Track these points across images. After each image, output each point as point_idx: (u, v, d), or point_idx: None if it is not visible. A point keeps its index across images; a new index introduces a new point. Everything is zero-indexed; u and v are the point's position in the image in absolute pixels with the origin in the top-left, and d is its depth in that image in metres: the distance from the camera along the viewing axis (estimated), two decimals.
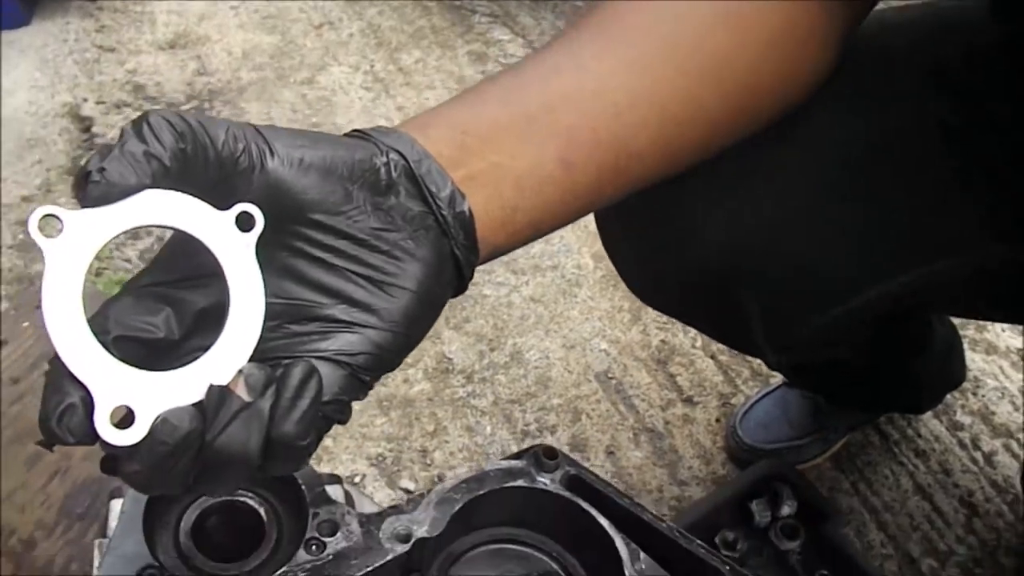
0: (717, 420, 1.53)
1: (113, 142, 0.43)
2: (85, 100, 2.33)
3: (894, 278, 0.81)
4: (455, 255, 0.52)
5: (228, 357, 0.44)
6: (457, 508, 0.65)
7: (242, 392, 0.43)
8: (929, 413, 1.50)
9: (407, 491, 1.40)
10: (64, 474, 0.86)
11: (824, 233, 0.79)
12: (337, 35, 2.56)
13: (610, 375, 1.59)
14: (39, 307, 0.41)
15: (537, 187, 0.55)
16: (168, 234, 0.47)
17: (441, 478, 1.42)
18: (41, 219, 0.41)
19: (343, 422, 0.48)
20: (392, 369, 0.50)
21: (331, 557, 0.60)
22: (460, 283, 0.54)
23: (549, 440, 1.48)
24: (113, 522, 0.64)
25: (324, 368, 0.46)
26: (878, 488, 1.44)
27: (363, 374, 0.47)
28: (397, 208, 0.49)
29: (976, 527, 1.39)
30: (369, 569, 0.60)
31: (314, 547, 0.60)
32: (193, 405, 0.43)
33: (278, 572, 0.59)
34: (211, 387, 0.43)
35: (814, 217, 0.79)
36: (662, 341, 1.65)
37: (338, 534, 0.61)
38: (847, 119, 0.76)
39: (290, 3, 2.67)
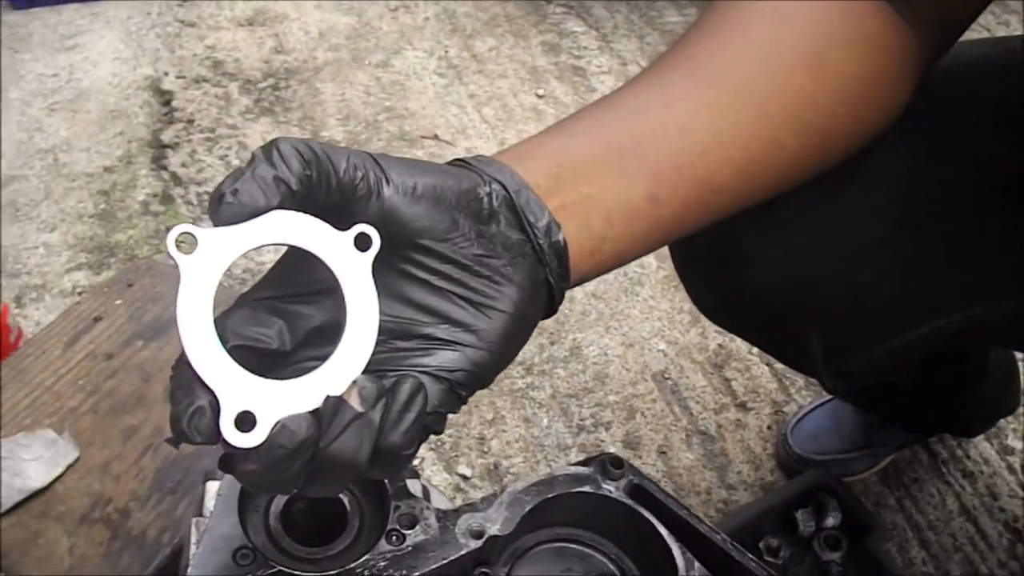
0: (769, 427, 1.55)
1: (244, 166, 0.47)
2: (166, 74, 2.39)
3: (952, 314, 0.83)
4: (549, 281, 0.55)
5: (343, 369, 0.47)
6: (527, 509, 0.69)
7: (355, 403, 0.46)
8: (980, 435, 1.51)
9: (464, 476, 1.44)
10: (156, 449, 0.91)
11: (883, 268, 0.81)
12: (412, 19, 2.59)
13: (666, 375, 1.62)
14: (175, 316, 0.45)
15: (626, 219, 0.59)
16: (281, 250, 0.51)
17: (497, 466, 1.46)
18: (178, 236, 0.44)
19: (439, 432, 0.51)
20: (486, 385, 0.53)
21: (410, 548, 0.64)
22: (551, 307, 0.57)
23: (603, 436, 1.51)
24: (209, 503, 0.69)
25: (425, 382, 0.49)
26: (923, 506, 1.45)
27: (460, 389, 0.51)
28: (498, 236, 0.53)
29: (1019, 553, 1.40)
30: (444, 562, 0.64)
31: (394, 538, 0.64)
32: (310, 413, 0.46)
33: (361, 559, 0.63)
34: (328, 397, 0.46)
35: (874, 252, 0.80)
36: (719, 345, 1.67)
37: (417, 527, 0.65)
38: (908, 155, 0.77)
39: None
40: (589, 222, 0.57)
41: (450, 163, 0.56)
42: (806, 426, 1.49)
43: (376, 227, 0.49)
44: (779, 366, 1.62)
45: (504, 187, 0.54)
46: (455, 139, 2.16)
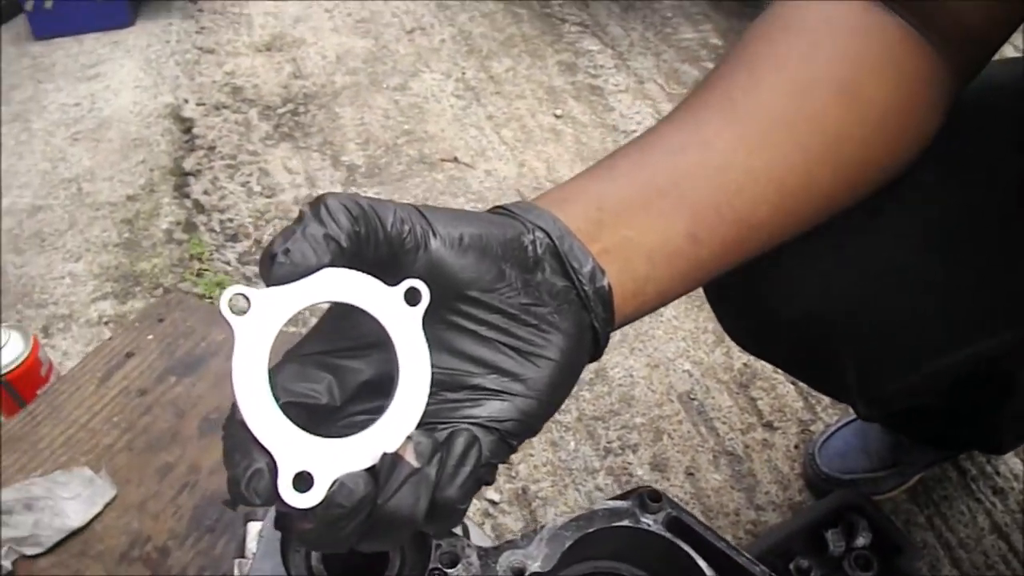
0: (796, 446, 1.54)
1: (292, 224, 0.47)
2: (186, 101, 2.41)
3: (988, 338, 0.82)
4: (594, 327, 0.55)
5: (397, 425, 0.48)
6: (568, 545, 0.69)
7: (411, 458, 0.46)
8: (1010, 452, 1.50)
9: (492, 501, 1.44)
10: (193, 487, 0.91)
11: (916, 293, 0.80)
12: (429, 41, 2.61)
13: (692, 396, 1.62)
14: (229, 372, 0.45)
15: (667, 260, 0.59)
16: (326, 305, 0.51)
17: (525, 491, 1.46)
18: (231, 298, 0.44)
19: (491, 483, 0.52)
20: (535, 434, 0.54)
21: None
22: (596, 351, 0.57)
23: (631, 459, 1.51)
24: (250, 543, 0.69)
25: (477, 433, 0.50)
26: (954, 524, 1.44)
27: (511, 439, 0.51)
28: (544, 284, 0.53)
29: None
30: None
31: None
32: (366, 470, 0.46)
33: None
34: (384, 454, 0.47)
35: (906, 277, 0.80)
36: (744, 364, 1.67)
37: (459, 566, 0.65)
38: (937, 179, 0.77)
39: (382, 7, 2.73)
40: (631, 265, 0.57)
41: (491, 210, 0.57)
42: (833, 445, 1.48)
43: (424, 279, 0.49)
44: (805, 385, 1.62)
45: (547, 234, 0.54)
46: (475, 161, 2.16)
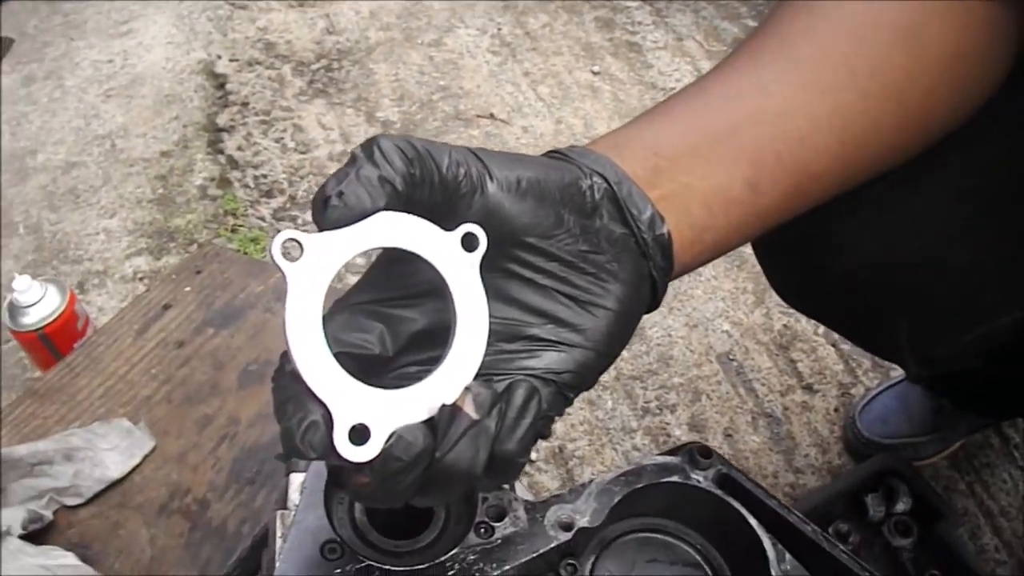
0: (836, 409, 1.52)
1: (344, 166, 0.45)
2: (219, 57, 2.39)
3: None
4: (652, 276, 0.53)
5: (454, 376, 0.46)
6: (616, 500, 0.68)
7: (469, 410, 0.45)
8: None
9: (528, 460, 1.43)
10: (232, 439, 0.90)
11: (974, 253, 0.78)
12: None
13: (731, 357, 1.60)
14: (282, 321, 0.43)
15: (724, 208, 0.57)
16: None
17: (562, 449, 1.45)
18: (283, 243, 0.43)
19: (547, 437, 0.50)
20: (591, 386, 0.52)
21: (499, 541, 0.63)
22: (653, 301, 0.55)
23: (668, 419, 1.49)
24: (292, 495, 0.68)
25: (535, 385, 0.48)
26: (995, 492, 1.42)
27: (567, 391, 0.50)
28: (602, 231, 0.51)
29: None
30: (534, 555, 0.63)
31: (483, 530, 0.63)
32: (424, 422, 0.44)
33: (451, 552, 0.62)
34: (443, 406, 0.45)
35: (965, 236, 0.77)
36: (784, 326, 1.64)
37: (506, 519, 0.64)
38: (1003, 139, 0.74)
39: None
40: (689, 212, 0.55)
41: (546, 155, 0.54)
42: (875, 409, 1.46)
43: (480, 225, 0.47)
44: (846, 347, 1.60)
45: (605, 179, 0.52)
46: (511, 118, 2.14)
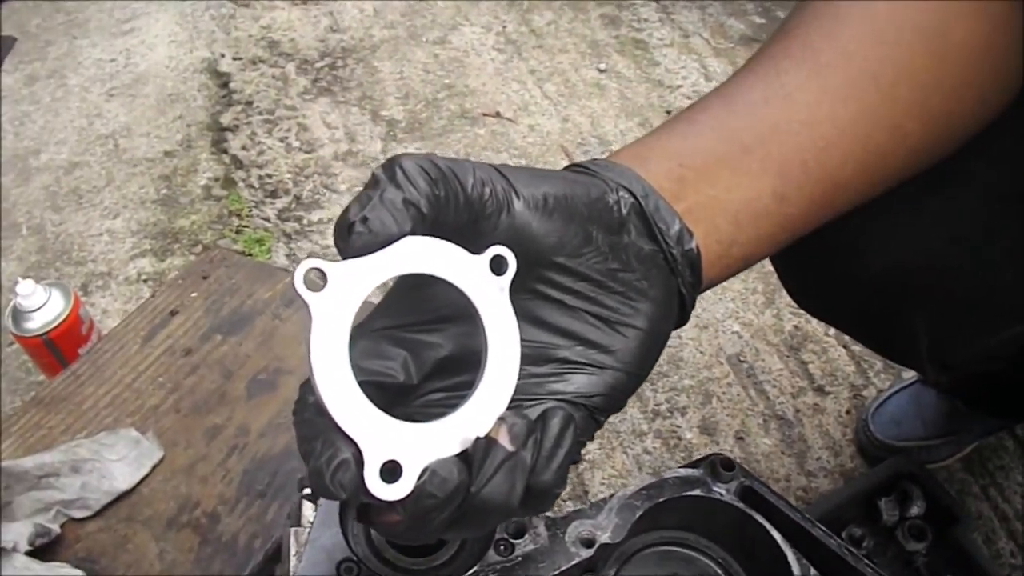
0: (848, 411, 1.51)
1: (366, 189, 0.43)
2: (222, 56, 2.38)
3: None
4: (681, 292, 0.52)
5: (487, 405, 0.44)
6: (638, 515, 0.66)
7: (504, 441, 0.43)
8: None
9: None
10: (242, 450, 0.89)
11: (994, 257, 0.76)
12: None
13: (742, 358, 1.58)
14: (307, 354, 0.41)
15: (753, 220, 0.55)
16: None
17: None
18: (306, 273, 0.41)
19: (578, 463, 0.48)
20: (621, 408, 0.50)
21: (519, 559, 0.62)
22: (682, 317, 0.54)
23: (679, 421, 1.48)
24: (307, 512, 0.67)
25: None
26: (1010, 495, 1.40)
27: (599, 415, 0.48)
28: (631, 247, 0.49)
29: None
30: (555, 572, 0.62)
31: (503, 548, 0.62)
32: (457, 456, 0.43)
33: (470, 570, 0.60)
34: (477, 439, 0.43)
35: (986, 240, 0.76)
36: (795, 327, 1.63)
37: (526, 536, 0.63)
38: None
39: None
40: (716, 225, 0.54)
41: (569, 168, 0.53)
42: (888, 411, 1.44)
43: (507, 245, 0.45)
44: (857, 348, 1.58)
45: (632, 193, 0.50)
46: (517, 116, 2.12)
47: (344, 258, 0.42)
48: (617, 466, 1.41)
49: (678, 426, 1.48)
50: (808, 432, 1.48)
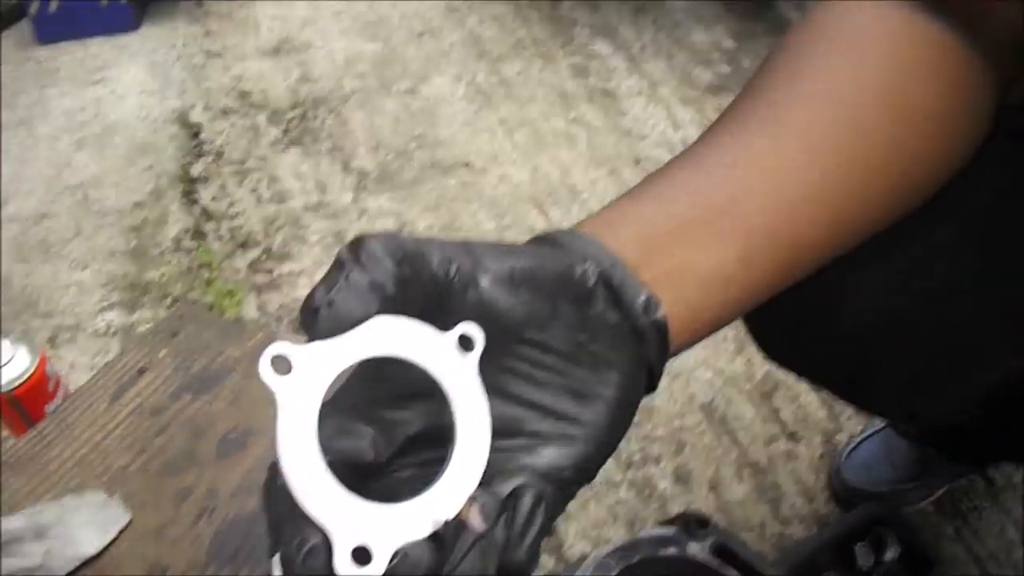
0: (820, 456, 1.51)
1: (331, 271, 0.43)
2: (193, 106, 2.38)
3: None
4: (649, 361, 0.52)
5: (457, 485, 0.44)
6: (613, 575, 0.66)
7: (476, 521, 0.43)
8: None
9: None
10: (212, 513, 0.87)
11: (965, 308, 0.77)
12: (438, 44, 2.57)
13: (714, 406, 1.59)
14: (274, 433, 0.41)
15: (721, 287, 0.55)
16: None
17: None
18: (272, 360, 0.41)
19: (549, 535, 0.48)
20: (591, 480, 0.50)
21: None
22: (651, 385, 0.54)
23: (653, 471, 1.48)
24: (276, 573, 0.66)
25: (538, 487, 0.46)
26: (983, 536, 1.41)
27: (570, 488, 0.48)
28: (598, 318, 0.49)
29: None
30: None
31: None
32: (428, 538, 0.42)
33: None
34: (447, 520, 0.43)
35: (960, 290, 0.77)
36: (766, 373, 1.63)
37: None
38: (989, 188, 0.73)
39: (390, 10, 2.70)
40: (685, 292, 0.54)
41: (533, 240, 0.53)
42: (859, 456, 1.45)
43: (476, 320, 0.45)
44: (827, 393, 1.59)
45: (597, 263, 0.51)
46: (487, 166, 2.13)
47: (310, 341, 0.42)
48: (591, 517, 1.41)
49: (652, 475, 1.47)
50: (782, 479, 1.48)
